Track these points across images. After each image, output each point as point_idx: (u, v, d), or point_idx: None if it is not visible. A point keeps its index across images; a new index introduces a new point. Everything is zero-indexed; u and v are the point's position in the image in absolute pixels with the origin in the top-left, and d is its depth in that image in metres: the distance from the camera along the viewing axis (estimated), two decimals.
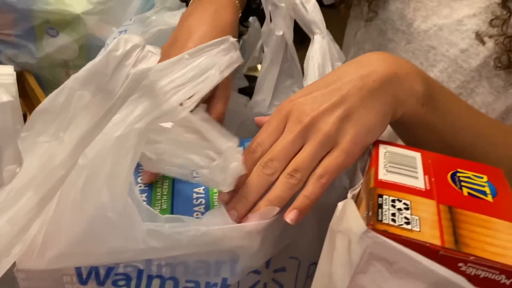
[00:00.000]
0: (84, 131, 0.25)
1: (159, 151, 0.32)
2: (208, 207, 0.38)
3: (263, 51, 0.54)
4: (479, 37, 0.54)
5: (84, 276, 0.33)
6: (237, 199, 0.35)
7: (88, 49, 0.76)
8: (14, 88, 0.43)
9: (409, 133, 0.41)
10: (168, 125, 0.32)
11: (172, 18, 0.58)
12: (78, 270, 0.32)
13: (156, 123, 0.30)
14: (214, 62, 0.31)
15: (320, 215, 0.37)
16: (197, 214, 0.37)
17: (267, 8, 0.50)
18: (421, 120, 0.39)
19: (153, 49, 0.27)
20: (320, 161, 0.35)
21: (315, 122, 0.35)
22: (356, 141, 0.35)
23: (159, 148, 0.32)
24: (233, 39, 0.33)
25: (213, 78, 0.32)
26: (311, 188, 0.34)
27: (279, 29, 0.49)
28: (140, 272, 0.34)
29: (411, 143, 0.42)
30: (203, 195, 0.39)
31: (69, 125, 0.25)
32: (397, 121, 0.38)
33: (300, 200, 0.34)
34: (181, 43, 0.46)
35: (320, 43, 0.44)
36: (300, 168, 0.34)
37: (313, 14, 0.46)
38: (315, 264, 0.32)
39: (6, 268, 0.29)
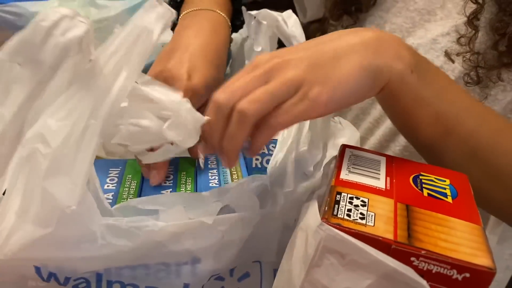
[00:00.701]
0: (18, 104, 0.26)
1: (124, 134, 0.32)
2: None
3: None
4: (448, 56, 0.55)
5: (45, 277, 0.33)
6: (206, 148, 0.34)
7: None
8: None
9: (400, 106, 0.38)
10: (124, 104, 0.32)
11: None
12: (37, 270, 0.32)
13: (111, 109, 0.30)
14: (142, 24, 0.31)
15: (285, 220, 0.37)
16: None
17: (250, 25, 0.51)
18: (413, 91, 0.36)
19: (83, 19, 0.28)
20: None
21: (284, 64, 0.32)
22: (325, 92, 0.32)
23: (122, 131, 0.32)
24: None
25: (147, 40, 0.31)
26: (266, 131, 0.32)
27: (258, 45, 0.50)
28: (99, 276, 0.33)
29: (402, 123, 0.41)
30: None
31: (2, 98, 0.26)
32: (385, 90, 0.35)
33: (255, 143, 0.33)
34: (182, 49, 0.47)
35: None
36: (254, 102, 0.31)
37: (293, 28, 0.47)
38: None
39: None
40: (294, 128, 0.41)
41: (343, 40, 0.34)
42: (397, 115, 0.40)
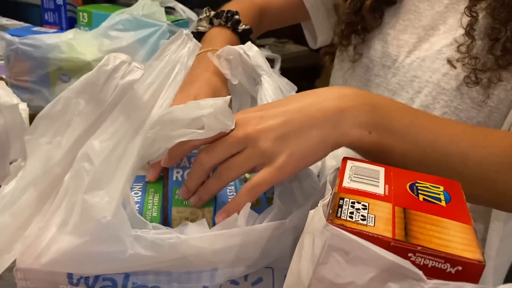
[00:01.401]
0: (78, 134, 0.30)
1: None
2: None
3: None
4: (450, 63, 0.60)
5: (75, 281, 0.36)
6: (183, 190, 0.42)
7: None
8: (26, 120, 0.48)
9: (372, 157, 0.44)
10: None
11: None
12: (69, 275, 0.35)
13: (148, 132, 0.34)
14: (177, 58, 0.35)
15: (296, 232, 0.40)
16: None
17: (222, 63, 0.56)
18: (375, 145, 0.42)
19: (138, 64, 0.32)
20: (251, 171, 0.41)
21: (257, 135, 0.39)
22: (289, 162, 0.39)
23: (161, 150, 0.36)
24: (187, 31, 0.37)
25: (181, 72, 0.36)
26: (240, 196, 0.40)
27: (234, 79, 0.55)
28: (126, 278, 0.36)
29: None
30: None
31: (66, 129, 0.30)
32: (355, 148, 0.43)
33: (229, 205, 0.40)
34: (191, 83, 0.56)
35: (269, 81, 0.50)
36: (228, 169, 0.40)
37: (255, 59, 0.52)
38: None
39: (8, 264, 0.33)
40: None
41: (306, 112, 0.40)
42: (373, 160, 0.44)
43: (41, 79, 0.82)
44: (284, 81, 0.53)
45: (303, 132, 0.39)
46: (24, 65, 0.82)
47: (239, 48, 0.53)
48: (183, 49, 0.36)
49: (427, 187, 0.35)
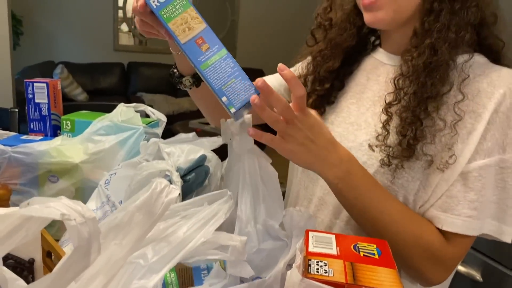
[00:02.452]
0: (136, 237, 0.43)
1: None
2: None
3: (223, 179, 0.76)
4: (371, 147, 0.79)
5: None
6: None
7: (83, 190, 0.93)
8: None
9: (335, 194, 0.72)
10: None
11: (159, 164, 0.78)
12: None
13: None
14: (219, 208, 0.51)
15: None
16: None
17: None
18: (338, 191, 0.70)
19: (175, 186, 0.47)
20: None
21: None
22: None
23: None
24: (230, 192, 0.54)
25: (219, 220, 0.52)
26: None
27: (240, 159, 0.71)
28: None
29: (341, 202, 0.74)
30: None
31: (128, 233, 0.43)
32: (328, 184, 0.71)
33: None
34: None
35: (249, 151, 0.66)
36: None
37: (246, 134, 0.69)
38: None
39: None
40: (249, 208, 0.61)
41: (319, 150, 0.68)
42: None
43: (30, 181, 0.93)
44: (262, 154, 0.68)
45: (305, 148, 0.66)
46: (15, 170, 0.92)
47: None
48: (225, 204, 0.52)
49: (365, 246, 0.51)
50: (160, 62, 5.59)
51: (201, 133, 3.79)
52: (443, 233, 0.73)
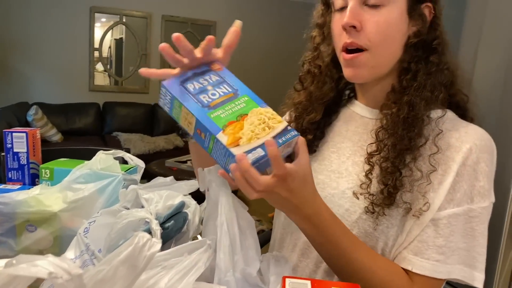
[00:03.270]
0: None
1: None
2: None
3: (201, 222, 0.78)
4: (355, 195, 0.82)
5: None
6: None
7: (61, 239, 0.93)
8: None
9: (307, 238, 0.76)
10: None
11: (138, 212, 0.79)
12: None
13: None
14: (199, 258, 0.53)
15: None
16: None
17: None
18: (307, 231, 0.73)
19: (157, 239, 0.49)
20: None
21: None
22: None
23: None
24: (209, 241, 0.56)
25: (200, 269, 0.54)
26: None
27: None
28: None
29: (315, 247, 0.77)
30: None
31: (112, 287, 0.45)
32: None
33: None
34: None
35: (226, 200, 0.68)
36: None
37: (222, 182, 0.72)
38: None
39: None
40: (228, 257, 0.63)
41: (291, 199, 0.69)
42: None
43: (7, 231, 0.93)
44: (239, 202, 0.71)
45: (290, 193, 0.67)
46: None
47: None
48: (205, 253, 0.54)
49: None
50: (135, 101, 5.62)
51: (178, 172, 3.78)
52: (413, 275, 0.78)
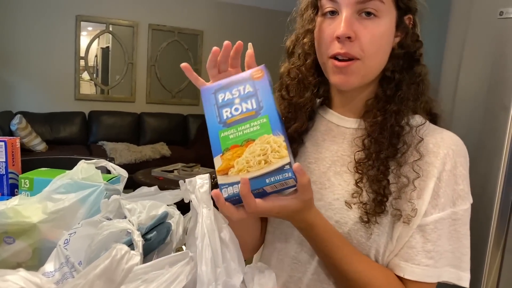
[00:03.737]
0: None
1: None
2: None
3: (186, 232, 0.76)
4: (348, 204, 0.82)
5: None
6: None
7: (41, 251, 0.90)
8: None
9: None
10: None
11: (120, 223, 0.77)
12: None
13: None
14: (180, 271, 0.51)
15: None
16: None
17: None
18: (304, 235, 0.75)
19: (137, 252, 0.47)
20: None
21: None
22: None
23: None
24: (191, 253, 0.55)
25: (181, 283, 0.52)
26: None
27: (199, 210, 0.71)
28: None
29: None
30: None
31: None
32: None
33: None
34: None
35: (207, 213, 0.67)
36: None
37: (203, 195, 0.70)
38: None
39: None
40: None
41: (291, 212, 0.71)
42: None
43: None
44: (220, 215, 0.69)
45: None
46: None
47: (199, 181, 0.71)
48: (187, 265, 0.52)
49: None
50: (122, 110, 5.58)
51: (164, 181, 3.76)
52: (406, 281, 0.79)
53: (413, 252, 0.79)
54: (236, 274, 0.61)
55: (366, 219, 0.79)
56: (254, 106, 0.70)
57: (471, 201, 0.81)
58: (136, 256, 0.46)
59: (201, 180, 0.72)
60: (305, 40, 0.88)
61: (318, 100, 0.96)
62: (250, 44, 0.81)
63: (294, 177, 0.64)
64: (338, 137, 0.89)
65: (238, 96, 0.71)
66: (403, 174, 0.79)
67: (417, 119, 0.84)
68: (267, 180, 0.64)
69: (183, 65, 0.79)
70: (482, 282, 1.59)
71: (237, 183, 0.64)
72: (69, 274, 0.80)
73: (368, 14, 0.77)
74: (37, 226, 0.89)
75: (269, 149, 0.65)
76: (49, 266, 0.83)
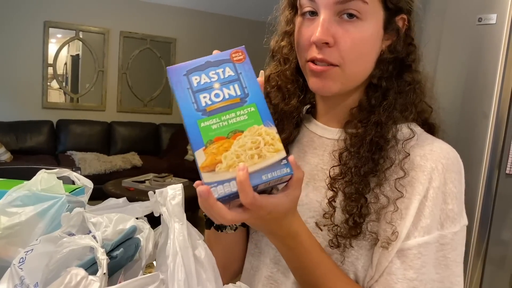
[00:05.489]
0: None
1: None
2: None
3: (156, 247, 0.69)
4: (318, 226, 0.74)
5: None
6: None
7: None
8: None
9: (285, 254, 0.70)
10: None
11: (82, 239, 0.70)
12: None
13: None
14: None
15: None
16: None
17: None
18: (281, 251, 0.68)
19: (94, 277, 0.40)
20: None
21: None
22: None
23: None
24: (162, 276, 0.47)
25: None
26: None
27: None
28: None
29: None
30: None
31: None
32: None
33: None
34: None
35: (180, 228, 0.60)
36: None
37: (175, 207, 0.63)
38: None
39: None
40: None
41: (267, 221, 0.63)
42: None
43: None
44: (194, 230, 0.62)
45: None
46: None
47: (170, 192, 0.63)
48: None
49: None
50: (91, 119, 5.43)
51: (135, 192, 3.66)
52: None
53: (392, 279, 0.69)
54: None
55: (336, 244, 0.72)
56: (239, 93, 0.61)
57: (465, 222, 0.72)
58: (95, 282, 0.39)
59: (173, 191, 0.65)
60: (282, 43, 0.82)
61: (305, 108, 0.89)
62: (261, 72, 0.70)
63: (292, 173, 0.58)
64: (319, 149, 0.82)
65: (218, 80, 0.61)
66: (384, 193, 0.71)
67: (404, 131, 0.75)
68: (263, 177, 0.56)
69: None
70: None
71: (228, 180, 0.56)
72: None
73: (350, 16, 0.69)
74: None
75: (262, 141, 0.57)
76: None
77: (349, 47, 0.70)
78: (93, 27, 5.46)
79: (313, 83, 0.75)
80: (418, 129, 0.77)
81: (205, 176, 0.56)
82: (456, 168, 0.72)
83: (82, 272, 0.39)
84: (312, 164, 0.81)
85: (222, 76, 0.61)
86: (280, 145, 0.58)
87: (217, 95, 0.60)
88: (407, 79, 0.74)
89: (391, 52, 0.74)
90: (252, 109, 0.60)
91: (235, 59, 0.63)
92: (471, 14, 1.46)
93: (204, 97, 0.60)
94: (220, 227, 0.84)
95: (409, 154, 0.71)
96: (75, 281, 0.39)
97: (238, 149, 0.57)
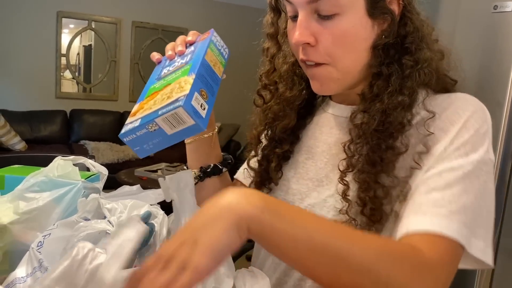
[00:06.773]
0: None
1: None
2: None
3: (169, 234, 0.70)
4: (340, 212, 0.73)
5: None
6: None
7: (12, 254, 0.84)
8: None
9: (268, 243, 0.51)
10: None
11: (98, 223, 0.71)
12: None
13: None
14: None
15: None
16: None
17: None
18: (268, 228, 0.49)
19: (101, 249, 0.41)
20: None
21: (172, 254, 0.46)
22: (203, 256, 0.45)
23: None
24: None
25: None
26: None
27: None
28: None
29: (275, 253, 0.53)
30: None
31: None
32: (254, 236, 0.49)
33: None
34: None
35: (190, 213, 0.62)
36: None
37: (186, 193, 0.66)
38: None
39: None
40: None
41: (205, 216, 0.49)
42: (269, 248, 0.52)
43: None
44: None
45: (208, 230, 0.47)
46: None
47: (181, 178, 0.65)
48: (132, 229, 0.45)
49: None
50: (104, 109, 5.47)
51: (148, 182, 3.67)
52: (412, 238, 0.61)
53: (416, 205, 0.64)
54: (225, 280, 0.56)
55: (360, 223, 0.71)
56: (186, 60, 0.71)
57: (491, 157, 0.67)
58: (102, 254, 0.40)
59: (184, 176, 0.66)
60: (266, 44, 0.84)
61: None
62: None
63: (187, 109, 0.58)
64: (336, 128, 0.82)
65: (181, 56, 0.74)
66: (403, 169, 0.69)
67: (423, 113, 0.71)
68: (159, 112, 0.60)
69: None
70: (475, 283, 1.56)
71: (136, 119, 0.63)
72: None
73: (327, 15, 0.68)
74: (8, 228, 0.83)
75: (177, 87, 0.63)
76: (20, 271, 0.76)
77: (331, 43, 0.69)
78: (105, 17, 5.47)
79: (313, 85, 0.76)
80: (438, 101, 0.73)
81: (128, 120, 0.65)
82: (481, 113, 0.70)
83: (88, 244, 0.40)
84: (329, 144, 0.82)
85: (186, 52, 0.75)
86: (187, 87, 0.61)
87: (173, 64, 0.72)
88: (408, 63, 0.71)
89: (385, 37, 0.71)
90: (187, 67, 0.68)
91: (201, 38, 0.78)
92: (486, 1, 1.44)
93: (166, 68, 0.73)
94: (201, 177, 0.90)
95: (430, 133, 0.69)
96: (82, 253, 0.40)
97: (159, 97, 0.63)
